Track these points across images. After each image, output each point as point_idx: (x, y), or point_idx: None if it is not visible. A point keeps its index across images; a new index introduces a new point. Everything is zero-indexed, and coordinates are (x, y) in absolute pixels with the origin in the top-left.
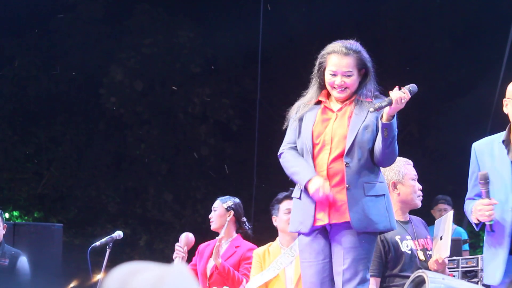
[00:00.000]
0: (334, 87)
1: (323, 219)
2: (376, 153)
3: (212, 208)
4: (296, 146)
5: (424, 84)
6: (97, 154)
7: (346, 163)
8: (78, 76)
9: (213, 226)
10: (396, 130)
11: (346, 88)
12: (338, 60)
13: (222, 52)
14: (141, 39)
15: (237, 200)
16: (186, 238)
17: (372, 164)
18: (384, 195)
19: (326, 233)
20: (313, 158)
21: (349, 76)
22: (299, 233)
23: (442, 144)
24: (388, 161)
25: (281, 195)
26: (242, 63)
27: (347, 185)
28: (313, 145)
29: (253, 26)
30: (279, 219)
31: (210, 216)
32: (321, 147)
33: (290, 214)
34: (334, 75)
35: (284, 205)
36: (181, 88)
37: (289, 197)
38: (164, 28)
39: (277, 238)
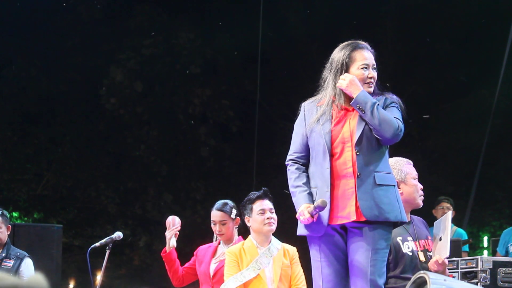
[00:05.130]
0: (366, 81)
1: (348, 217)
2: (374, 133)
3: (219, 222)
4: (301, 156)
5: (424, 85)
6: (97, 155)
7: (357, 151)
8: (78, 77)
9: (224, 239)
10: (369, 100)
11: (375, 81)
12: (367, 54)
13: (221, 53)
14: (141, 40)
15: (232, 203)
16: (173, 219)
17: (382, 154)
18: (394, 185)
19: (343, 232)
20: (332, 157)
21: (375, 69)
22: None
23: (441, 145)
24: (386, 132)
25: (253, 195)
26: (242, 64)
27: (358, 173)
28: (332, 145)
29: (253, 28)
30: (253, 220)
31: (219, 231)
32: (342, 145)
33: (264, 215)
34: (366, 68)
35: (257, 205)
36: (180, 89)
37: (261, 197)
38: (164, 29)
39: (250, 238)
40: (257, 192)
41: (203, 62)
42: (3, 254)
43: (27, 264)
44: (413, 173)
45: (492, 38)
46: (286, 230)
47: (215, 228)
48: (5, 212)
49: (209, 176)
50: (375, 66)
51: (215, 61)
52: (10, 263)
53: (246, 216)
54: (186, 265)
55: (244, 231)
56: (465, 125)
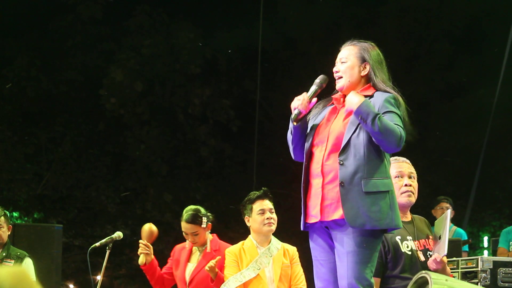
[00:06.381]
0: (335, 77)
1: (316, 216)
2: (376, 142)
3: (190, 233)
4: None
5: (424, 85)
6: (97, 155)
7: (340, 161)
8: (78, 77)
9: (198, 245)
10: (370, 110)
11: (339, 76)
12: (340, 53)
13: (222, 53)
14: (141, 40)
15: (202, 209)
16: (150, 232)
17: (373, 160)
18: (388, 191)
19: (331, 232)
20: (311, 156)
21: (342, 63)
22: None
23: (441, 145)
24: (386, 140)
25: (253, 195)
26: (242, 64)
27: (340, 182)
28: (312, 144)
29: (253, 27)
30: (252, 220)
31: (192, 240)
32: (320, 145)
33: (264, 215)
34: (335, 66)
35: (257, 205)
36: (180, 88)
37: (261, 197)
38: (164, 29)
39: (250, 237)
40: (257, 192)
41: (203, 62)
42: (4, 254)
43: (28, 264)
44: (392, 170)
45: (492, 38)
46: (286, 230)
47: (188, 237)
48: (7, 212)
49: (209, 176)
50: (343, 60)
51: (215, 60)
52: (10, 262)
53: (246, 216)
54: (164, 269)
55: (244, 231)
56: (465, 125)
